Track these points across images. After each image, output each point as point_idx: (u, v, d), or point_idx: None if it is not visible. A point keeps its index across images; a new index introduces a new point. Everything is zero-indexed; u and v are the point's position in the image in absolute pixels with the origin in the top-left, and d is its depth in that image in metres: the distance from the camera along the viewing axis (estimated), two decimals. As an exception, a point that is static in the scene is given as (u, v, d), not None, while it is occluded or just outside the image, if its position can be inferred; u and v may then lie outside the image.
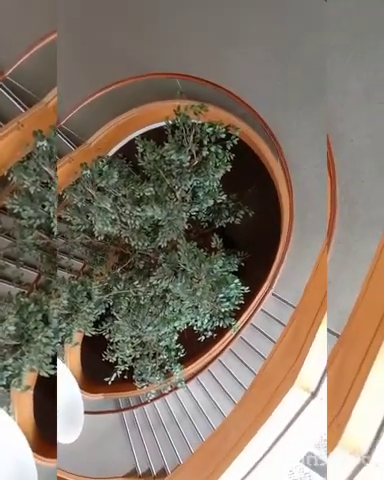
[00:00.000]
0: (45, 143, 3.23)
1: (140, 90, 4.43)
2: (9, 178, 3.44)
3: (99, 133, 4.79)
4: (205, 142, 3.72)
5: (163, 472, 5.93)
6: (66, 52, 4.23)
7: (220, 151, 3.79)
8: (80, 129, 4.74)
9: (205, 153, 3.77)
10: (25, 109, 4.01)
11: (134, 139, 4.09)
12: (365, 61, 3.22)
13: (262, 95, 4.07)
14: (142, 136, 4.21)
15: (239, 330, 4.87)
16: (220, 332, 4.69)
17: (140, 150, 3.98)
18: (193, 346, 5.01)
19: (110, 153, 4.94)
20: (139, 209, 4.02)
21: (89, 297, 4.48)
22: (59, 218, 5.16)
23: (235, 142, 3.79)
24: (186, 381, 5.30)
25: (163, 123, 3.92)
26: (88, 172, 3.97)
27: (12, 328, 3.00)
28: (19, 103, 4.03)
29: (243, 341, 5.08)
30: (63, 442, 2.50)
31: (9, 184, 3.83)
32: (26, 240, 3.83)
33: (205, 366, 5.55)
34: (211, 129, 3.69)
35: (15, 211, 3.54)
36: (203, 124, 3.69)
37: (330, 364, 1.97)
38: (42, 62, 3.65)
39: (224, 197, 4.30)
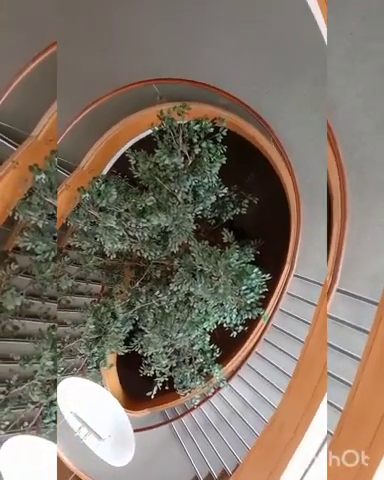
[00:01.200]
0: (43, 176, 3.21)
1: (120, 104, 4.43)
2: (15, 217, 3.47)
3: (89, 155, 4.81)
4: (195, 140, 3.70)
5: (225, 474, 5.88)
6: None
7: (212, 145, 3.77)
8: (70, 155, 4.76)
9: (197, 151, 3.75)
10: (16, 146, 4.05)
11: (125, 153, 4.09)
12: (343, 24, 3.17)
13: (240, 81, 4.06)
14: (132, 148, 4.21)
15: (269, 318, 4.83)
16: (251, 324, 4.65)
17: (132, 162, 3.98)
18: (227, 344, 4.98)
19: (104, 171, 4.95)
20: (144, 220, 4.00)
21: (114, 317, 4.49)
22: (68, 246, 5.18)
23: (224, 133, 3.77)
24: (227, 379, 5.26)
25: (150, 131, 3.92)
26: (87, 195, 3.96)
27: (50, 363, 3.07)
28: (8, 141, 4.06)
29: (276, 328, 5.04)
30: (118, 465, 2.47)
31: (17, 223, 3.86)
32: (45, 274, 3.81)
33: (243, 361, 5.51)
34: (198, 126, 3.67)
35: (28, 248, 3.54)
36: (189, 123, 3.67)
37: (375, 333, 1.94)
38: (22, 97, 3.71)
39: (225, 190, 4.28)
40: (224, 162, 3.95)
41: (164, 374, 4.59)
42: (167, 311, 4.53)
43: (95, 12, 4.01)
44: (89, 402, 2.23)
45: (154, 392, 4.63)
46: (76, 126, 4.35)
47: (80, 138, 4.75)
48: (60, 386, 2.27)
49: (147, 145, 4.07)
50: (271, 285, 4.31)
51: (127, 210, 4.03)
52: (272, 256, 4.86)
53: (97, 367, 4.49)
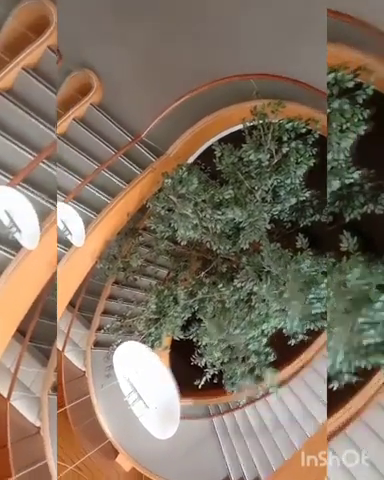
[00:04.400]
0: (170, 180, 4.05)
1: (215, 96, 4.51)
2: (147, 206, 4.60)
3: (178, 143, 5.00)
4: (285, 138, 3.62)
5: (258, 481, 5.77)
6: (139, 67, 4.52)
7: (301, 146, 3.64)
8: (160, 141, 5.00)
9: (285, 150, 3.65)
10: (155, 158, 5.40)
11: (212, 145, 4.16)
12: None
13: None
14: (219, 141, 4.27)
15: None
16: (312, 336, 4.47)
17: (218, 154, 4.02)
18: (284, 351, 4.85)
19: (189, 160, 5.10)
20: (219, 212, 4.03)
21: (175, 301, 4.61)
22: (144, 228, 5.61)
23: (316, 136, 3.64)
24: (278, 387, 5.13)
25: (240, 126, 3.92)
26: (169, 180, 4.12)
27: (153, 306, 4.40)
28: (150, 155, 5.38)
29: (337, 346, 4.78)
30: (160, 438, 2.54)
31: (147, 210, 5.23)
32: (159, 247, 5.16)
33: (297, 372, 5.34)
34: (290, 125, 3.58)
35: (152, 228, 4.76)
36: (281, 121, 3.61)
37: None
38: (164, 125, 4.77)
39: (307, 194, 4.14)
40: (312, 164, 3.81)
41: (215, 366, 4.61)
42: (227, 306, 4.52)
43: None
44: (144, 370, 2.33)
45: (202, 382, 4.66)
46: (170, 114, 4.53)
47: (172, 126, 4.95)
48: (119, 349, 2.42)
49: (235, 140, 4.09)
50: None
51: (204, 201, 4.09)
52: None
53: (152, 347, 4.64)
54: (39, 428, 5.32)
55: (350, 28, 3.12)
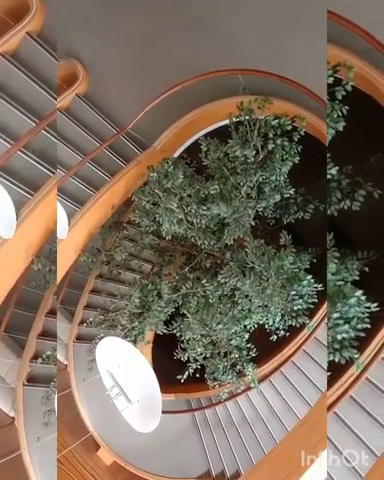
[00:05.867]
0: (155, 174, 4.06)
1: (202, 90, 4.48)
2: (132, 199, 4.62)
3: (164, 136, 4.95)
4: (270, 135, 3.61)
5: (237, 475, 5.84)
6: (126, 58, 4.45)
7: (286, 143, 3.64)
8: (146, 133, 4.95)
9: (271, 146, 3.64)
10: (140, 151, 5.31)
11: (198, 139, 4.13)
12: None
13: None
14: (205, 135, 4.25)
15: (313, 330, 4.67)
16: (293, 332, 4.53)
17: (204, 149, 4.00)
18: (265, 346, 4.90)
19: (175, 154, 5.07)
20: (204, 207, 4.03)
21: (159, 296, 4.60)
22: (128, 222, 5.53)
23: (302, 133, 3.64)
24: (259, 382, 5.19)
25: (227, 121, 3.91)
26: (155, 174, 4.09)
27: (137, 301, 4.35)
28: (136, 147, 5.31)
29: (318, 341, 4.87)
30: (142, 431, 2.54)
31: (132, 203, 5.30)
32: (144, 241, 5.18)
33: (278, 367, 5.40)
34: (276, 121, 3.58)
35: (136, 222, 4.75)
36: (267, 117, 3.60)
37: None
38: (150, 118, 4.68)
39: (292, 191, 4.15)
40: (296, 162, 3.83)
41: (197, 361, 4.63)
42: (211, 301, 4.54)
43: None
44: (126, 364, 2.32)
45: (185, 377, 4.68)
46: (157, 106, 4.49)
47: (159, 119, 4.90)
48: (101, 343, 2.41)
49: (221, 135, 4.07)
50: (322, 297, 4.13)
51: (189, 195, 4.09)
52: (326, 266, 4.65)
53: (134, 341, 4.64)
54: (13, 418, 5.26)
55: (329, 23, 3.11)
